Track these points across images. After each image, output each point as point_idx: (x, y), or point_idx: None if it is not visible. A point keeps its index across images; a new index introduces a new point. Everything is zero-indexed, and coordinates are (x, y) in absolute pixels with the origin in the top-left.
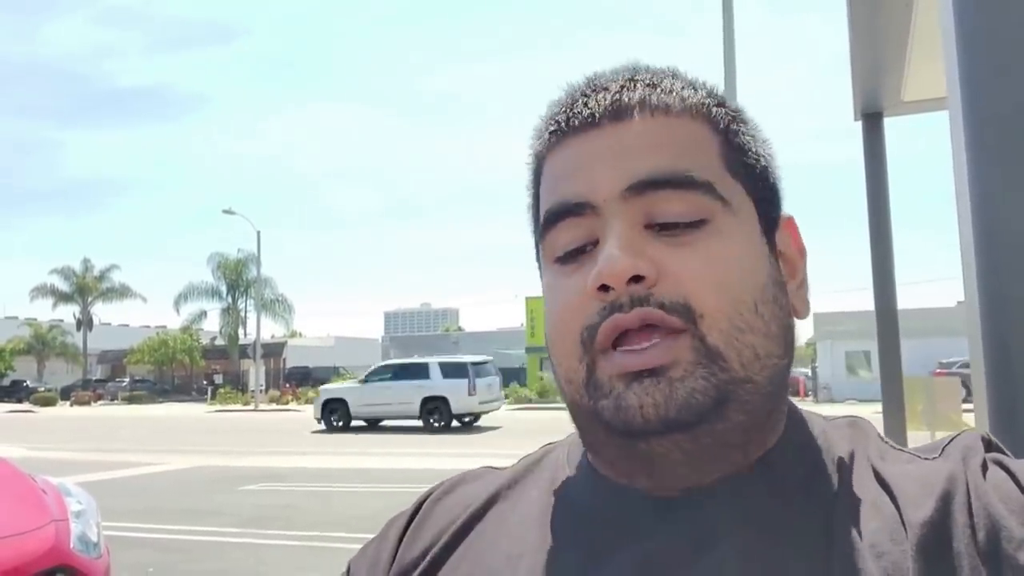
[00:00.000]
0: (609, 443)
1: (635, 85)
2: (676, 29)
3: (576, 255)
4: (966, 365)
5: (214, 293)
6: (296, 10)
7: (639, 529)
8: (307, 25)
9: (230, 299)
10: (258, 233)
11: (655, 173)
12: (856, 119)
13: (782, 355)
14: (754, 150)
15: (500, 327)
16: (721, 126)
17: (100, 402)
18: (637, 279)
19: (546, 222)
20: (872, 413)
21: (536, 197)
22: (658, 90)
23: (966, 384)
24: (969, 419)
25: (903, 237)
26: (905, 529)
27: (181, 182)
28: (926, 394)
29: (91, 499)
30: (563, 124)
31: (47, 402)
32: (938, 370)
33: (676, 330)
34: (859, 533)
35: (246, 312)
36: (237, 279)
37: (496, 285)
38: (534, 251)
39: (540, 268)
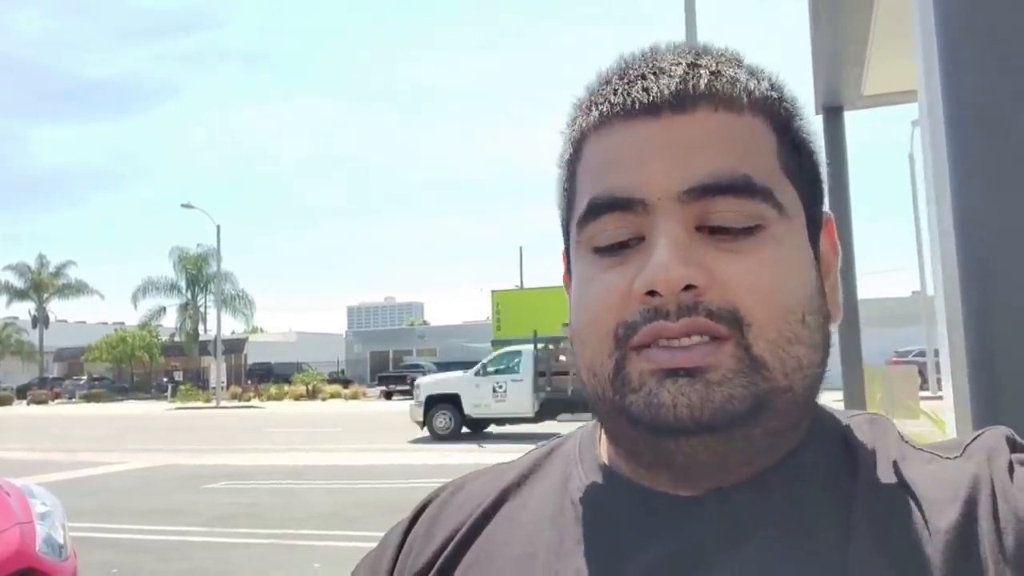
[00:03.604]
0: (633, 437)
1: (700, 72)
2: (640, 19)
3: (618, 249)
4: (922, 354)
5: (173, 288)
6: (261, 2)
7: (664, 527)
8: (272, 18)
9: (189, 295)
10: (218, 227)
11: (716, 177)
12: (817, 113)
13: (821, 363)
14: (807, 147)
15: (466, 320)
16: (780, 123)
17: (58, 401)
18: (688, 288)
19: (590, 211)
20: (833, 401)
21: (571, 174)
22: (723, 80)
23: (922, 373)
24: (926, 407)
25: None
26: (929, 533)
27: (143, 177)
28: (885, 383)
29: (56, 500)
30: (618, 107)
31: (2, 401)
32: (894, 358)
33: (720, 337)
34: (880, 535)
35: (206, 308)
36: (197, 274)
37: (461, 279)
38: (563, 228)
39: (569, 248)
